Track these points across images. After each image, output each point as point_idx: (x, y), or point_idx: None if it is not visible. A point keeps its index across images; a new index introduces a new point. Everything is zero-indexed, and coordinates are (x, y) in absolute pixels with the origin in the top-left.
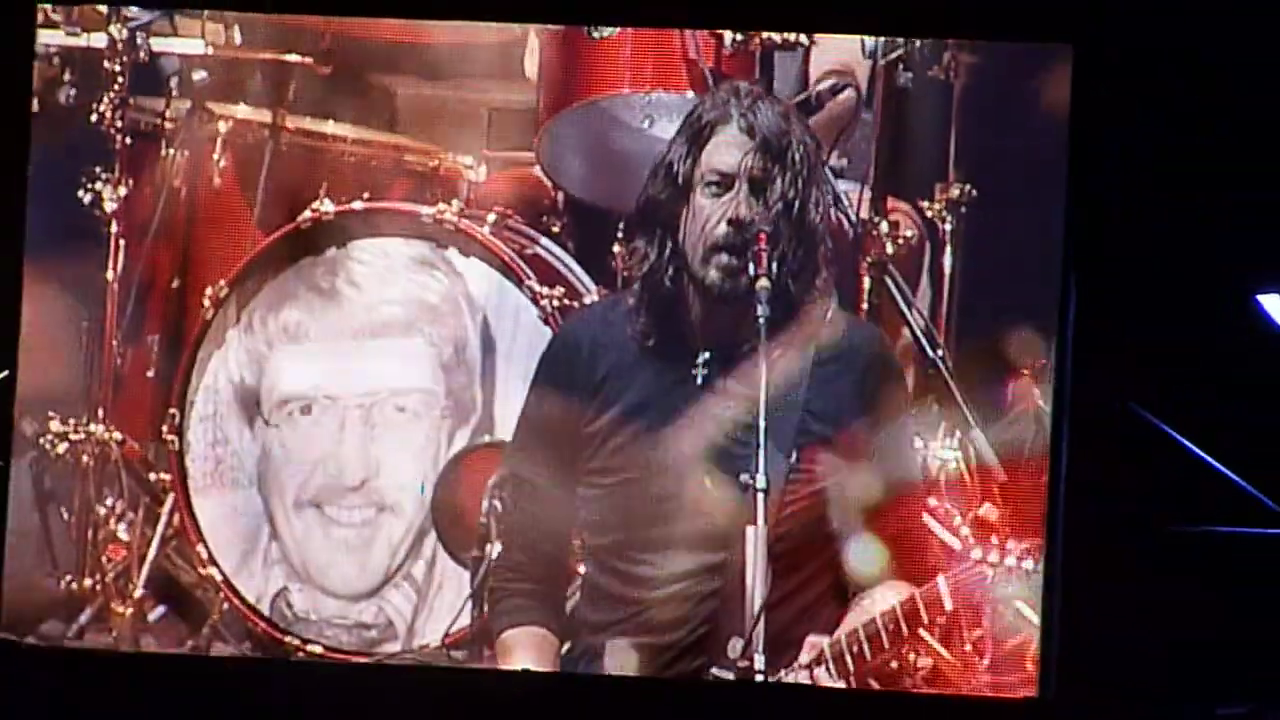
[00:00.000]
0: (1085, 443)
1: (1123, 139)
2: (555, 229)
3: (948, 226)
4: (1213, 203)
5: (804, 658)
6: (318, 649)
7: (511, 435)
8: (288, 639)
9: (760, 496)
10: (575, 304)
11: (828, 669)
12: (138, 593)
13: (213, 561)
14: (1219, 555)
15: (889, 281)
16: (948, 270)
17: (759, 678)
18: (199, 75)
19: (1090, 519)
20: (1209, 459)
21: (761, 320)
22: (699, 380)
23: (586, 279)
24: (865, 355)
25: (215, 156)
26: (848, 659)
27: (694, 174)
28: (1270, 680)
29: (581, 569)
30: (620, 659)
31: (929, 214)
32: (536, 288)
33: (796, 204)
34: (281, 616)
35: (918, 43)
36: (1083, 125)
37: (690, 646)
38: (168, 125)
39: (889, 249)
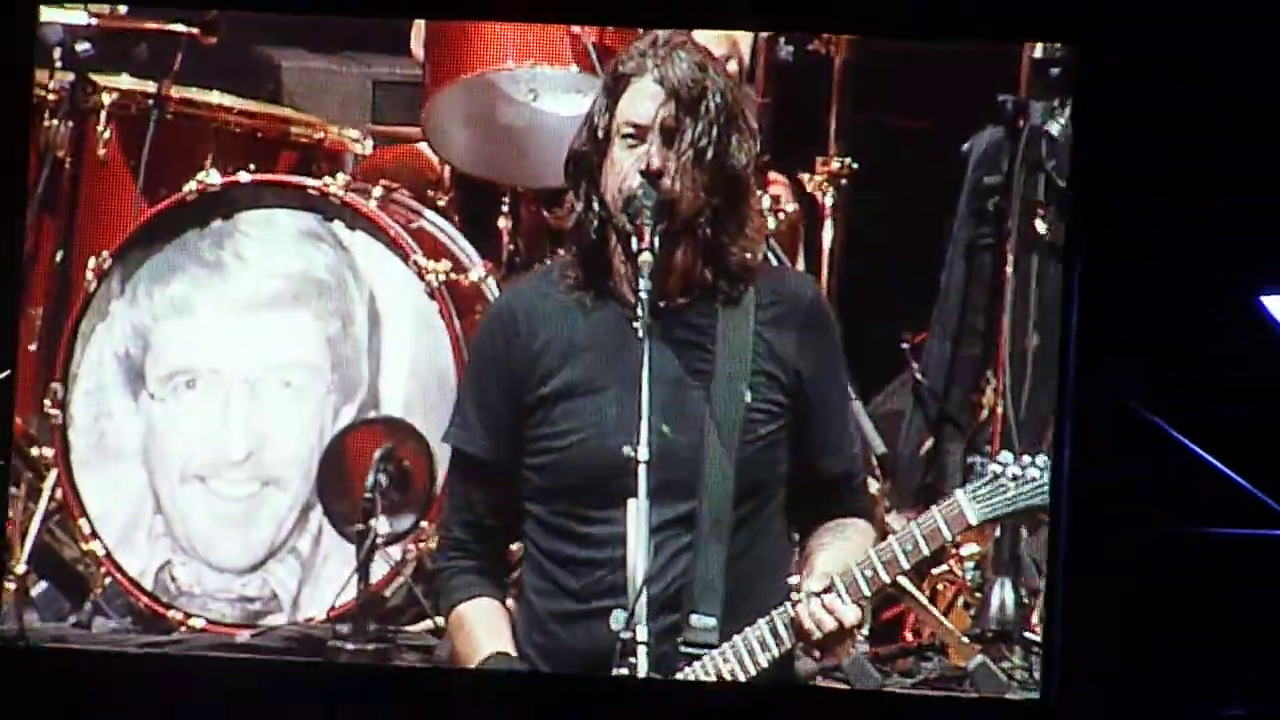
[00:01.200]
0: (1086, 443)
1: (1125, 140)
2: (441, 202)
3: (828, 200)
4: (1216, 204)
5: (815, 585)
6: (200, 622)
7: (451, 414)
8: (170, 613)
9: (642, 469)
10: (461, 278)
11: (839, 595)
12: (20, 568)
13: (95, 536)
14: (1220, 556)
15: (770, 255)
16: (827, 243)
17: (642, 649)
18: (83, 46)
19: (1090, 519)
20: (1210, 459)
21: (644, 295)
22: (640, 333)
23: (472, 252)
24: (805, 300)
25: (99, 128)
26: (861, 583)
27: (612, 126)
28: (1270, 681)
29: (528, 540)
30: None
31: (809, 187)
32: (422, 261)
33: (710, 152)
34: (165, 590)
35: None
36: (1085, 126)
37: (667, 602)
38: (51, 97)
39: (770, 223)
